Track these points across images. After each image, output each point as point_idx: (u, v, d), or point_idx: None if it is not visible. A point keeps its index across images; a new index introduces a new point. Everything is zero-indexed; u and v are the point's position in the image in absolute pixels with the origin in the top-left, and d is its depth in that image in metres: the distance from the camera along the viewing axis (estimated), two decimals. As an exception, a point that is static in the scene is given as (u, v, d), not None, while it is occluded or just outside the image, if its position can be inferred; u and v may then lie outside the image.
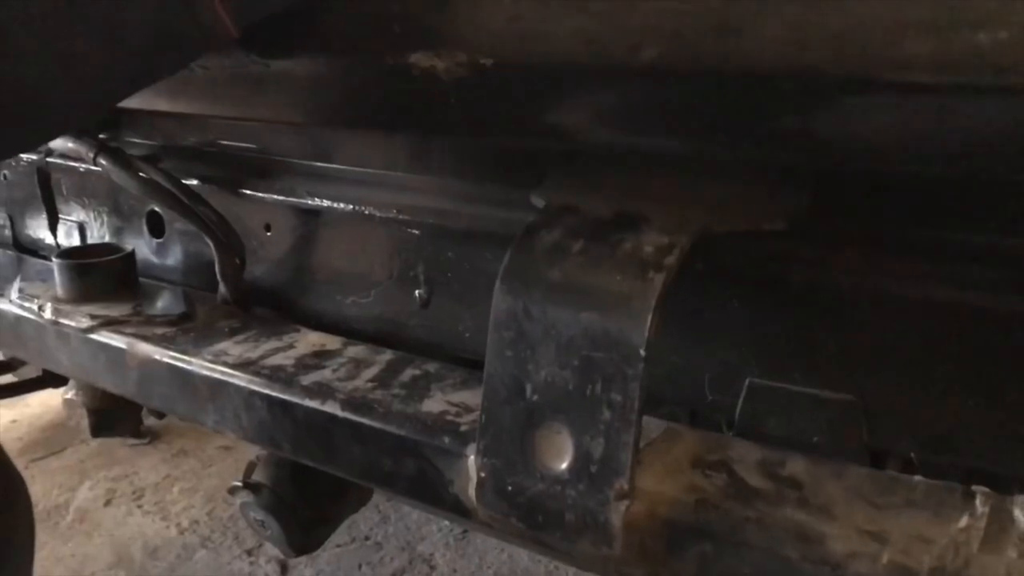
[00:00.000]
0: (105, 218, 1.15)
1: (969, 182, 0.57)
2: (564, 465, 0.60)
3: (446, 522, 1.79)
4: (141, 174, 0.93)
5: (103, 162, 0.93)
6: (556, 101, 0.58)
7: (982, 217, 0.57)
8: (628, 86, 0.54)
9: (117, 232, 1.14)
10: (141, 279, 1.02)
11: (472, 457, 0.65)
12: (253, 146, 0.94)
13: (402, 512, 1.82)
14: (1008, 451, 0.59)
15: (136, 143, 1.05)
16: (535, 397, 0.60)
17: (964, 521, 0.54)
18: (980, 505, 0.56)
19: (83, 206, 1.18)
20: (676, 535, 0.57)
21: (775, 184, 0.61)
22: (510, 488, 0.63)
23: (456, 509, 0.68)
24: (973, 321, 0.60)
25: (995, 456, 0.59)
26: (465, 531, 1.76)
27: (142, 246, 1.10)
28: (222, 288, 0.95)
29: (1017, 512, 0.54)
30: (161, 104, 0.81)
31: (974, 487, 0.57)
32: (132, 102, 0.84)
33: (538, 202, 0.69)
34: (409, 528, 1.79)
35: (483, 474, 0.64)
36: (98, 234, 1.17)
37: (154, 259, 1.10)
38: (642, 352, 0.56)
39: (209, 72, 0.73)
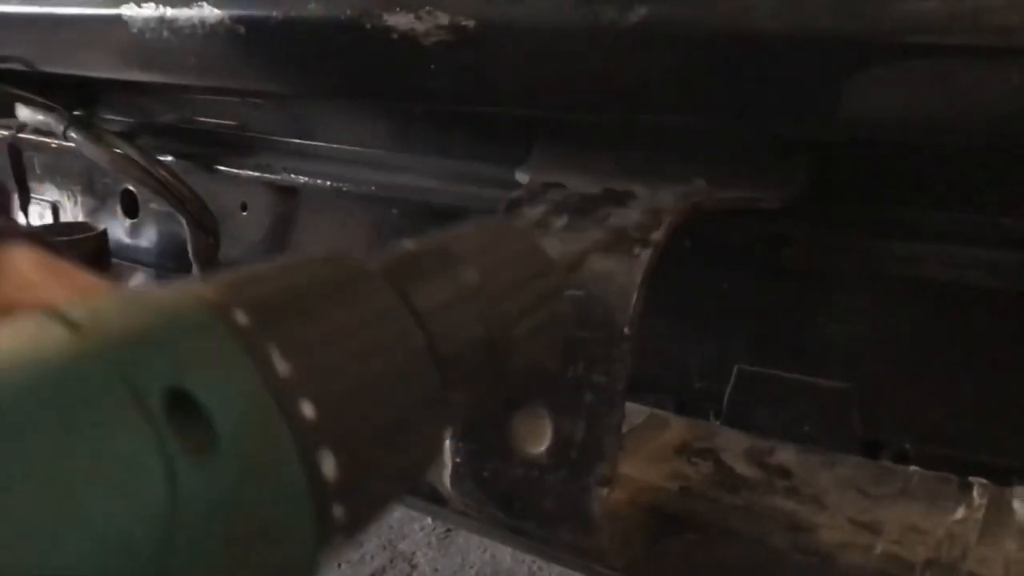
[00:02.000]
0: (79, 197, 1.12)
1: (969, 162, 0.54)
2: (543, 450, 0.57)
3: (428, 520, 1.76)
4: (117, 151, 0.90)
5: (74, 135, 0.89)
6: (541, 66, 0.55)
7: (983, 198, 0.55)
8: (615, 49, 0.52)
9: (91, 212, 1.11)
10: (114, 260, 0.99)
11: (447, 442, 0.62)
12: (231, 123, 0.91)
13: (383, 509, 1.79)
14: (1007, 442, 0.56)
15: (112, 120, 1.02)
16: (514, 377, 0.57)
17: (961, 512, 0.52)
18: (978, 496, 0.53)
19: (56, 185, 1.14)
20: (659, 523, 0.54)
21: (770, 161, 0.58)
22: (486, 474, 0.60)
23: (430, 497, 0.65)
24: (971, 307, 0.57)
25: (993, 447, 0.57)
26: (448, 529, 1.73)
27: (116, 226, 1.07)
28: (195, 269, 0.92)
29: (1016, 503, 0.52)
30: (129, 73, 0.78)
31: (971, 478, 0.55)
32: (99, 72, 0.82)
33: (522, 178, 0.67)
34: (391, 526, 1.76)
35: (458, 459, 0.61)
36: (72, 214, 1.13)
37: (127, 240, 1.07)
38: (626, 331, 0.54)
39: (181, 36, 0.70)
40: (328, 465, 0.21)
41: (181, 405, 0.19)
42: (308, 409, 0.21)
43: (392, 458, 0.23)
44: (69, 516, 0.17)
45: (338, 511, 0.21)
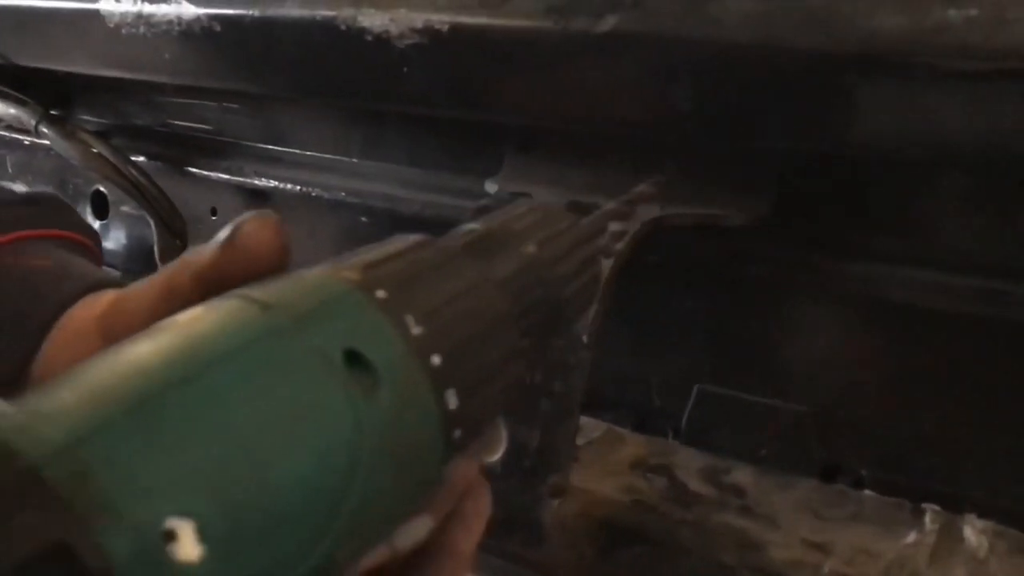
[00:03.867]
0: (49, 198, 1.11)
1: (929, 183, 0.55)
2: (497, 457, 0.56)
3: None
4: (88, 147, 0.89)
5: (45, 131, 0.89)
6: (511, 72, 0.55)
7: (943, 222, 0.55)
8: (585, 58, 0.52)
9: (60, 213, 1.10)
10: (79, 260, 0.97)
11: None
12: (205, 126, 0.90)
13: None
14: (960, 469, 0.56)
15: (87, 120, 1.01)
16: (471, 383, 0.57)
17: (912, 537, 0.51)
18: (929, 522, 0.53)
19: (28, 184, 1.13)
20: (610, 536, 0.53)
21: (736, 178, 0.59)
22: (439, 482, 0.59)
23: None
24: (930, 333, 0.57)
25: (947, 474, 0.57)
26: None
27: (84, 228, 1.05)
28: (161, 272, 0.91)
29: (967, 530, 0.52)
30: (106, 68, 0.78)
31: (924, 504, 0.54)
32: (75, 67, 0.82)
33: (491, 189, 0.67)
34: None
35: (411, 466, 0.60)
36: (40, 214, 1.12)
37: (95, 241, 1.05)
38: (584, 339, 0.53)
39: (158, 32, 0.70)
40: (452, 399, 0.28)
41: (353, 360, 0.25)
42: (436, 359, 0.27)
43: (490, 393, 0.30)
44: (285, 444, 0.22)
45: (457, 433, 0.28)
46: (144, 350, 0.23)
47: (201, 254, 0.31)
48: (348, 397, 0.24)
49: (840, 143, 0.48)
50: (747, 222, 0.57)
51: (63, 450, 0.19)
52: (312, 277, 0.27)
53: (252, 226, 0.30)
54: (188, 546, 0.19)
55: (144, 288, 0.33)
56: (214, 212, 0.93)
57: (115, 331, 0.32)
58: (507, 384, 0.32)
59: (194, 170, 0.91)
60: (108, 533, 0.18)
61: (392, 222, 0.78)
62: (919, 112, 0.45)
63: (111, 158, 0.87)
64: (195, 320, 0.24)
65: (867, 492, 0.56)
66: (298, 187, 0.81)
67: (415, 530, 0.30)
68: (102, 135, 0.96)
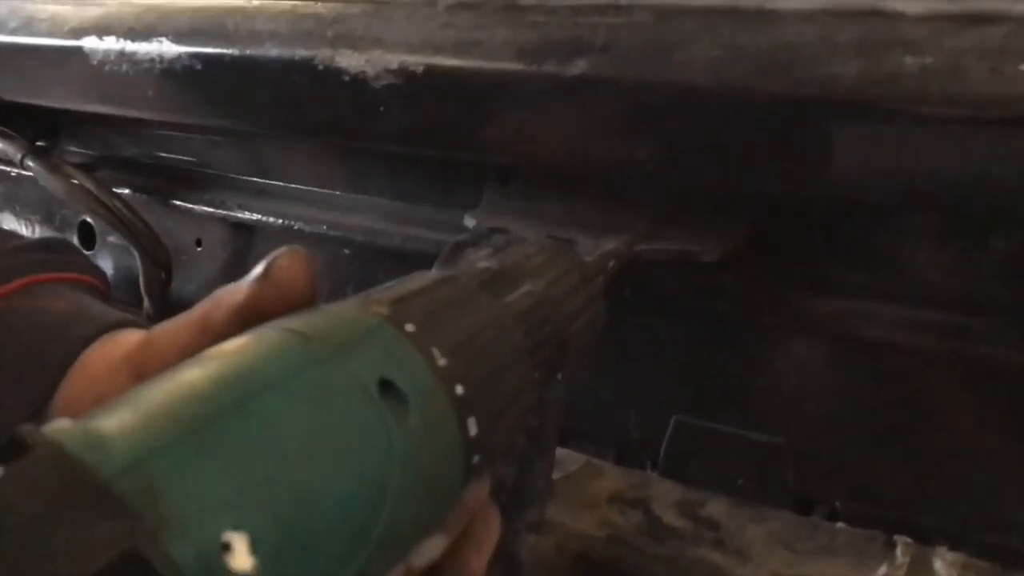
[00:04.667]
0: (37, 227, 1.11)
1: (896, 220, 0.56)
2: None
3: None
4: (72, 180, 0.90)
5: (31, 164, 0.90)
6: (485, 113, 0.56)
7: (910, 257, 0.56)
8: (556, 100, 0.53)
9: (47, 243, 1.10)
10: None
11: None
12: (190, 159, 0.91)
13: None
14: (932, 501, 0.57)
15: (74, 151, 1.02)
16: (447, 419, 0.57)
17: (883, 569, 0.52)
18: (900, 555, 0.53)
19: (15, 214, 1.14)
20: (585, 571, 0.54)
21: (710, 214, 0.59)
22: (417, 517, 0.59)
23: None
24: (901, 367, 0.58)
25: (919, 506, 0.57)
26: None
27: (71, 258, 1.06)
28: (147, 304, 0.91)
29: (937, 563, 0.52)
30: (89, 104, 0.79)
31: (896, 536, 0.55)
32: (59, 102, 0.82)
33: (470, 223, 0.68)
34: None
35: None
36: (28, 244, 1.12)
37: (82, 271, 1.06)
38: (559, 376, 0.54)
39: (140, 70, 0.71)
40: (472, 427, 0.29)
41: (386, 388, 0.27)
42: (460, 389, 0.29)
43: (506, 422, 0.32)
44: (328, 465, 0.24)
45: (476, 459, 0.30)
46: (197, 376, 0.25)
47: (237, 290, 0.33)
48: (383, 422, 0.26)
49: (804, 185, 0.49)
50: (720, 258, 0.58)
51: (131, 467, 0.21)
52: (345, 311, 0.30)
53: (285, 261, 0.32)
54: (242, 557, 0.21)
55: (177, 325, 0.35)
56: (199, 243, 0.93)
57: (148, 367, 0.34)
58: (520, 414, 0.34)
59: (179, 203, 0.91)
60: (176, 543, 0.20)
61: (374, 255, 0.79)
62: (880, 156, 0.45)
63: (95, 191, 0.88)
64: (242, 350, 0.26)
65: (840, 525, 0.56)
66: (281, 220, 0.82)
67: (430, 549, 0.31)
68: (88, 167, 0.97)
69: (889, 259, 0.55)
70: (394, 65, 0.57)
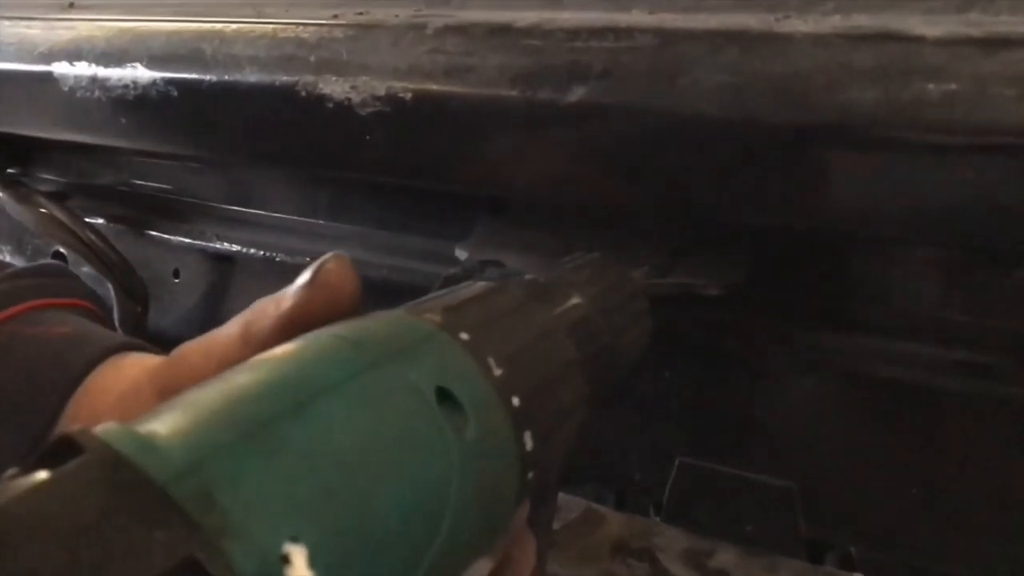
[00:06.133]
0: (7, 257, 1.07)
1: (909, 255, 0.53)
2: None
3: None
4: (41, 209, 0.86)
5: (0, 193, 0.86)
6: (477, 142, 0.53)
7: (923, 293, 0.53)
8: (552, 129, 0.50)
9: (19, 273, 1.06)
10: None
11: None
12: (167, 187, 0.88)
13: None
14: (950, 547, 0.54)
15: (47, 179, 0.99)
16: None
17: (905, 624, 0.49)
18: (923, 607, 0.50)
19: (-14, 244, 1.10)
20: (588, 631, 0.51)
21: (711, 247, 0.57)
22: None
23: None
24: (916, 406, 0.55)
25: (938, 552, 0.54)
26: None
27: (43, 289, 1.02)
28: (122, 337, 0.87)
29: (962, 616, 0.49)
30: (60, 131, 0.75)
31: (916, 586, 0.52)
32: (29, 130, 0.79)
33: (461, 255, 0.65)
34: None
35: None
36: None
37: (54, 303, 1.02)
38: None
39: (113, 96, 0.68)
40: (528, 441, 0.28)
41: (443, 397, 0.26)
42: (516, 400, 0.28)
43: (560, 438, 0.31)
44: (386, 474, 0.23)
45: (530, 475, 0.28)
46: (250, 380, 0.23)
47: (282, 298, 0.32)
48: (440, 432, 0.25)
49: (813, 218, 0.46)
50: (723, 292, 0.55)
51: (187, 471, 0.19)
52: (396, 318, 0.29)
53: (333, 264, 0.32)
54: (301, 571, 0.20)
55: (211, 340, 0.35)
56: (176, 274, 0.90)
57: (179, 383, 0.34)
58: (573, 430, 0.33)
59: (155, 233, 0.88)
60: (237, 552, 0.19)
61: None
62: (897, 187, 0.43)
63: (67, 221, 0.84)
64: (294, 354, 0.25)
65: (857, 575, 0.53)
66: (262, 251, 0.79)
67: (478, 572, 0.30)
68: (60, 196, 0.93)
69: (905, 294, 0.53)
70: (381, 91, 0.54)
